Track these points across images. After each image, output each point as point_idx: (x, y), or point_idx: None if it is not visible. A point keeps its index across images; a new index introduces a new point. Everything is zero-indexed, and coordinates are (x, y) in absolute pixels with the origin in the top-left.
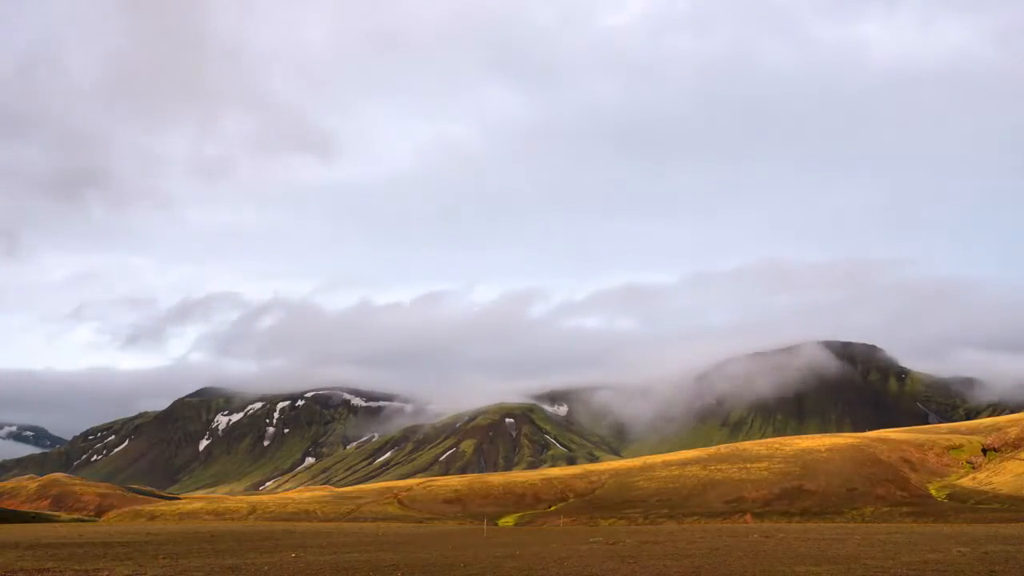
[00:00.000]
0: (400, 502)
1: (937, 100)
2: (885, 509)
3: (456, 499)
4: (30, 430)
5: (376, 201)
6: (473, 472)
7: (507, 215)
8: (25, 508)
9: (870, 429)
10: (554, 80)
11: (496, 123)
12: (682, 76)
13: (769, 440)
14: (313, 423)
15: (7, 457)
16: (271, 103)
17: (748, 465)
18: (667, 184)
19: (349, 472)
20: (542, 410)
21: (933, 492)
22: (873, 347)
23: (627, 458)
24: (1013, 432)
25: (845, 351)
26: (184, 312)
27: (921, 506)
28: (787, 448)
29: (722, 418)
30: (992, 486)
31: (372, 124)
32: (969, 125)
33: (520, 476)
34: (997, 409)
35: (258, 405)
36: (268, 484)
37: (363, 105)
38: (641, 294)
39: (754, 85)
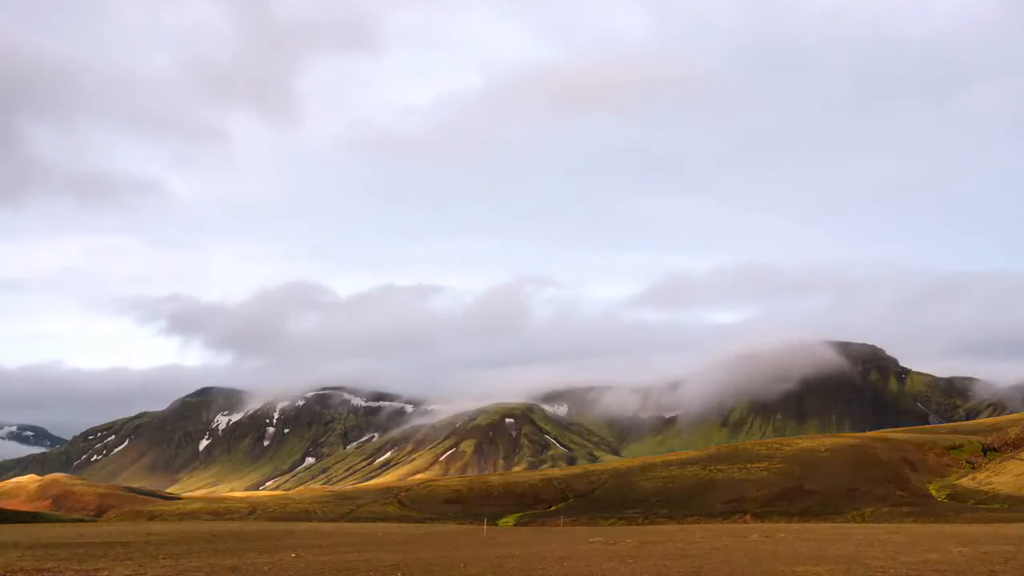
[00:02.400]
0: (400, 502)
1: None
2: (885, 509)
3: (456, 499)
4: (30, 430)
5: (373, 178)
6: (473, 472)
7: (501, 201)
8: (25, 508)
9: (870, 429)
10: (567, 19)
11: (499, 74)
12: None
13: (769, 440)
14: (313, 423)
15: (7, 457)
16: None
17: (748, 465)
18: (681, 157)
19: (349, 472)
20: (542, 410)
21: (933, 492)
22: (873, 347)
23: (627, 458)
24: (1013, 432)
25: (845, 351)
26: (182, 310)
27: (921, 506)
28: (787, 448)
29: (722, 418)
30: (992, 486)
31: (365, 82)
32: (987, 105)
33: (520, 476)
34: (997, 409)
35: (258, 405)
36: (268, 484)
37: (349, 62)
38: (642, 293)
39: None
